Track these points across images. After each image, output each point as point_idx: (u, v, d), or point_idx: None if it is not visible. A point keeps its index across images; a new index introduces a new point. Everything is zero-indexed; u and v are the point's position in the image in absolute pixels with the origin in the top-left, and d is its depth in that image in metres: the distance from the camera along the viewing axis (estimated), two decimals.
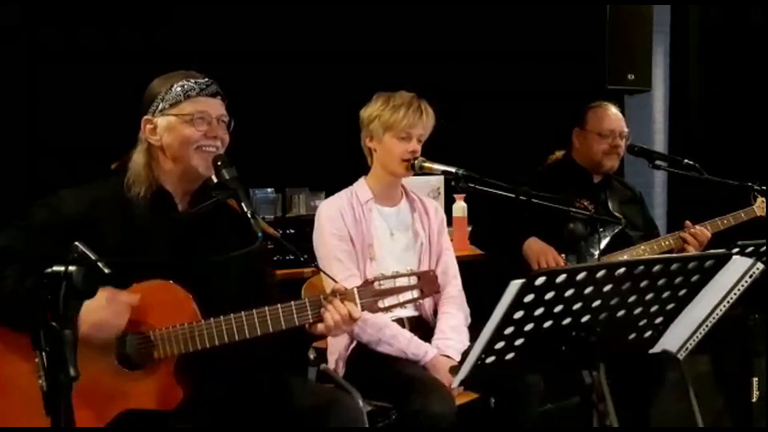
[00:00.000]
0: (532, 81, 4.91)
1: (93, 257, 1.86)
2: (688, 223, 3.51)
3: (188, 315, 2.30)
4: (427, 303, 3.14)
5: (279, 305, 2.32)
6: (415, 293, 2.44)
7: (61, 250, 1.86)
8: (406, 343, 2.96)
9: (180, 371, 2.31)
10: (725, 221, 3.55)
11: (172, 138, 2.39)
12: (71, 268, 1.80)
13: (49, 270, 1.80)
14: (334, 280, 2.54)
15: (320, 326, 2.37)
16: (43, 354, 1.91)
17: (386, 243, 3.11)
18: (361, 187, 3.14)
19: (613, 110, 3.68)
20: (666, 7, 5.32)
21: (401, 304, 2.45)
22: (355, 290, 2.40)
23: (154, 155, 2.42)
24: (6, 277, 2.23)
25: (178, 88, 2.39)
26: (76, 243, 1.88)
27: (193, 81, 2.41)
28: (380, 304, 2.41)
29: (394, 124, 3.02)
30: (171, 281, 2.31)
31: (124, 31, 3.87)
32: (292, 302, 2.34)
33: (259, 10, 4.16)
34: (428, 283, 2.46)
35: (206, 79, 2.44)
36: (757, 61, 5.13)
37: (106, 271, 1.87)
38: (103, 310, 2.19)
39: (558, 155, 3.79)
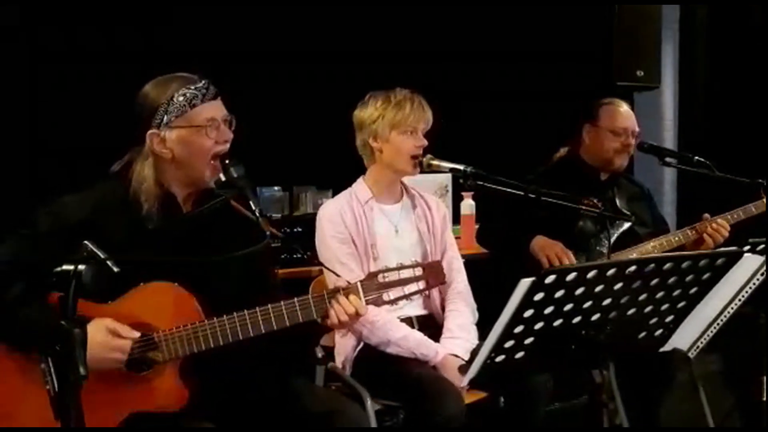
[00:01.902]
0: (541, 81, 4.89)
1: (102, 256, 1.85)
2: (706, 215, 3.46)
3: (192, 316, 2.29)
4: (436, 300, 3.12)
5: (282, 303, 2.31)
6: (421, 284, 2.40)
7: (68, 256, 1.86)
8: (415, 344, 2.94)
9: (185, 372, 2.30)
10: (735, 215, 3.51)
11: (185, 150, 2.35)
12: (80, 266, 1.80)
13: (59, 269, 1.79)
14: (337, 274, 2.51)
15: (328, 321, 2.36)
16: (50, 358, 1.91)
17: (391, 240, 3.08)
18: (360, 187, 3.12)
19: (626, 108, 3.64)
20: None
21: (407, 296, 2.42)
22: (359, 284, 2.37)
23: (161, 166, 2.39)
24: (11, 293, 2.22)
25: (181, 98, 2.34)
26: (86, 242, 1.88)
27: (193, 87, 2.36)
28: (385, 297, 2.38)
29: (402, 120, 2.99)
30: (175, 283, 2.30)
31: (124, 31, 3.85)
32: (296, 299, 2.32)
33: (260, 10, 4.14)
34: (433, 274, 2.42)
35: (203, 82, 2.39)
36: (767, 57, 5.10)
37: (115, 269, 1.87)
38: (101, 348, 2.18)
39: (562, 153, 3.75)
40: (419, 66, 4.21)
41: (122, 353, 2.22)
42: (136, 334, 2.24)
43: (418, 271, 2.41)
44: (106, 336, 2.19)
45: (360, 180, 3.14)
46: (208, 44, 3.91)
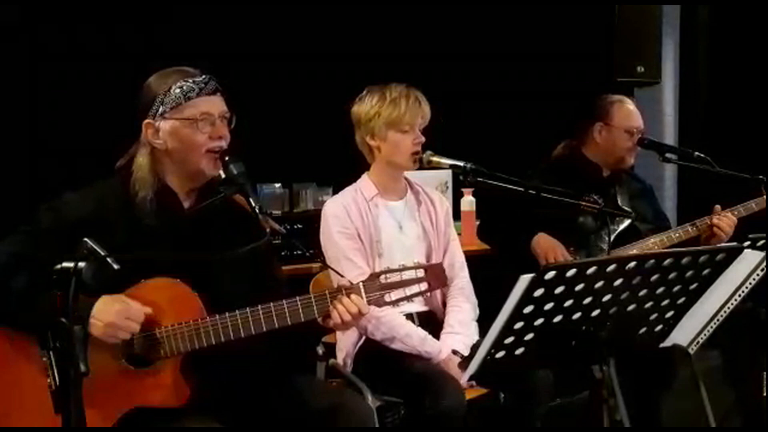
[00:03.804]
0: (542, 79, 4.90)
1: (102, 253, 1.86)
2: (717, 207, 3.46)
3: (194, 312, 2.30)
4: (438, 297, 3.12)
5: (284, 301, 2.31)
6: (423, 286, 2.42)
7: (70, 253, 1.87)
8: (420, 342, 2.95)
9: (187, 368, 2.31)
10: (736, 212, 3.51)
11: (177, 143, 2.37)
12: (81, 264, 1.80)
13: (59, 266, 1.80)
14: (340, 275, 2.51)
15: (329, 321, 2.36)
16: (51, 353, 1.92)
17: (395, 237, 3.09)
18: (365, 183, 3.12)
19: (634, 105, 3.66)
20: None
21: (408, 298, 2.43)
22: (361, 285, 2.38)
23: (158, 157, 2.40)
24: (17, 281, 2.23)
25: (177, 90, 2.35)
26: (86, 239, 1.88)
27: (191, 81, 2.37)
28: (387, 298, 2.39)
29: (397, 119, 2.99)
30: (177, 279, 2.30)
31: (124, 31, 3.84)
32: (297, 298, 2.32)
33: (260, 9, 4.15)
34: (435, 276, 2.43)
35: (204, 77, 2.40)
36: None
37: (116, 266, 1.88)
38: (114, 314, 2.19)
39: (561, 150, 3.75)
40: (420, 65, 4.21)
41: (137, 322, 2.23)
42: (148, 309, 2.25)
43: (420, 273, 2.42)
44: (121, 304, 2.21)
45: (364, 176, 3.14)
46: (208, 43, 3.91)
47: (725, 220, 3.43)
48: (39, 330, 2.16)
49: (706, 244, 3.35)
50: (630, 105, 3.63)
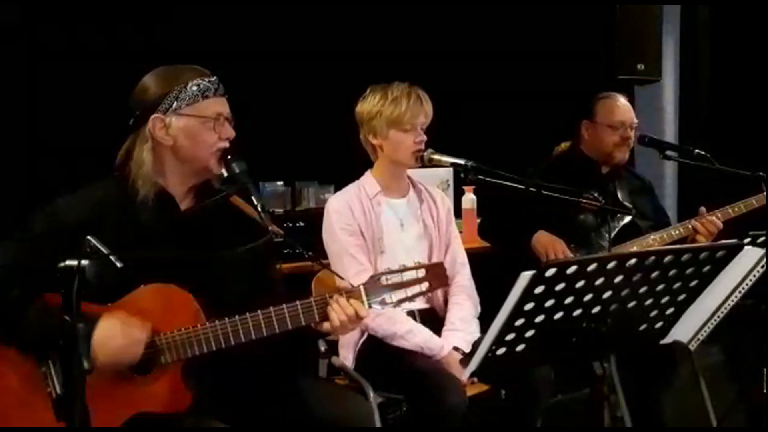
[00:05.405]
0: (544, 78, 4.91)
1: (105, 251, 1.85)
2: (702, 209, 3.46)
3: (191, 316, 2.27)
4: (439, 294, 3.12)
5: (285, 306, 2.29)
6: (424, 286, 2.40)
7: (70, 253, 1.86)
8: (422, 339, 2.95)
9: (188, 374, 2.29)
10: (736, 209, 3.51)
11: (190, 141, 2.35)
12: (84, 262, 1.79)
13: (62, 264, 1.80)
14: (340, 277, 2.51)
15: (326, 325, 2.33)
16: (50, 361, 1.91)
17: (396, 235, 3.09)
18: (368, 180, 3.12)
19: (623, 101, 3.65)
20: None
21: (409, 299, 2.42)
22: (362, 288, 2.36)
23: (159, 153, 2.37)
24: (10, 294, 2.22)
25: (195, 87, 2.34)
26: (88, 237, 1.87)
27: (207, 80, 2.37)
28: (388, 299, 2.37)
29: (398, 118, 2.99)
30: (173, 284, 2.28)
31: (124, 31, 3.85)
32: (298, 302, 2.30)
33: (260, 9, 4.15)
34: (436, 276, 2.42)
35: (215, 78, 2.40)
36: None
37: (119, 264, 1.87)
38: (117, 340, 2.18)
39: (563, 147, 3.76)
40: (420, 65, 4.21)
41: (140, 347, 2.21)
42: (148, 326, 2.24)
43: (421, 273, 2.40)
44: (123, 330, 2.19)
45: (368, 173, 3.15)
46: (209, 43, 3.91)
47: (708, 225, 3.42)
48: (35, 341, 2.17)
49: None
50: (615, 100, 3.63)
